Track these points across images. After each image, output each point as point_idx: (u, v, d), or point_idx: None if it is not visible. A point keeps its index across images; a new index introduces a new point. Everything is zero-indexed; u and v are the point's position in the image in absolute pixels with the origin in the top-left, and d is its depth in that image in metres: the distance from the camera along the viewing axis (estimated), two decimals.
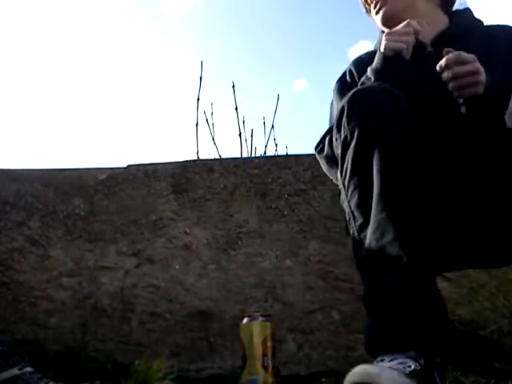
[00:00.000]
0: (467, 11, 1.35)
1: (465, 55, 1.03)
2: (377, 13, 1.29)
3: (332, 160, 1.16)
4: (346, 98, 1.06)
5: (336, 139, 1.08)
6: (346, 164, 1.04)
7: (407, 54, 1.12)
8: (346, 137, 1.04)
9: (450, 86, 1.05)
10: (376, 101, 1.03)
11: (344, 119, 1.05)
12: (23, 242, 2.09)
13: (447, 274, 1.92)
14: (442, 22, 1.31)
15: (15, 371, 1.16)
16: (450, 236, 1.12)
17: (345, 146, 1.04)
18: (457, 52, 1.04)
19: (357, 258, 1.03)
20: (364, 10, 1.39)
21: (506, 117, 1.01)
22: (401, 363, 0.87)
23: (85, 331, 1.97)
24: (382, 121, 1.02)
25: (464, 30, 1.26)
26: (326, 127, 1.26)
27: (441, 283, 1.91)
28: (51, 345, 1.92)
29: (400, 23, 1.25)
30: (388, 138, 1.01)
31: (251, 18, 5.56)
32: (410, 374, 0.84)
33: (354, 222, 1.03)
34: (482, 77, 1.03)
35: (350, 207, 1.04)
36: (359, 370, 0.82)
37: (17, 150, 4.90)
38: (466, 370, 1.63)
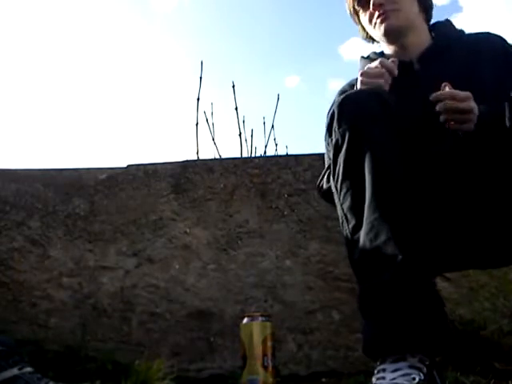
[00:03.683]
0: (447, 23, 1.35)
1: (460, 93, 1.04)
2: (381, 22, 1.28)
3: (330, 195, 1.17)
4: (336, 103, 1.08)
5: (328, 143, 1.09)
6: (338, 167, 1.05)
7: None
8: (337, 141, 1.05)
9: (441, 118, 1.06)
10: (365, 104, 1.05)
11: (335, 123, 1.06)
12: (23, 241, 2.09)
13: (447, 274, 1.92)
14: (426, 36, 1.33)
15: (15, 371, 1.16)
16: (450, 236, 1.12)
17: (336, 149, 1.06)
18: (451, 90, 1.05)
19: (351, 260, 1.04)
20: (353, 20, 1.39)
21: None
22: (404, 375, 0.87)
23: (85, 331, 1.97)
24: (372, 123, 1.03)
25: (447, 44, 1.28)
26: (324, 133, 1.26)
27: (441, 283, 1.93)
28: (51, 345, 1.92)
29: (399, 38, 1.29)
30: (378, 139, 1.02)
31: (241, 14, 5.55)
32: None
33: (347, 225, 1.03)
34: (473, 115, 1.04)
35: (343, 210, 1.05)
36: None
37: (17, 149, 4.90)
38: (466, 370, 1.63)
